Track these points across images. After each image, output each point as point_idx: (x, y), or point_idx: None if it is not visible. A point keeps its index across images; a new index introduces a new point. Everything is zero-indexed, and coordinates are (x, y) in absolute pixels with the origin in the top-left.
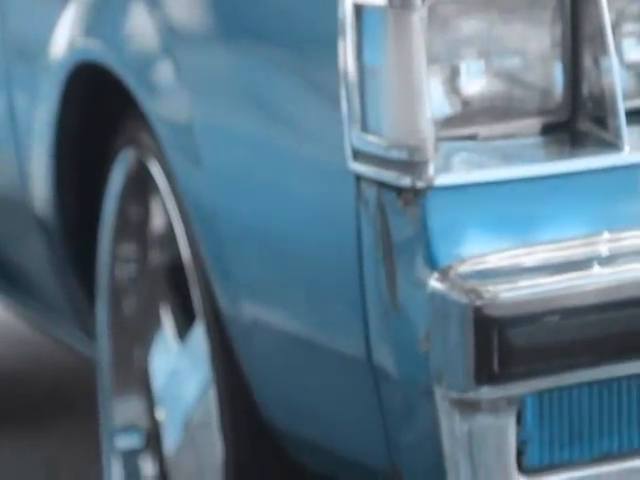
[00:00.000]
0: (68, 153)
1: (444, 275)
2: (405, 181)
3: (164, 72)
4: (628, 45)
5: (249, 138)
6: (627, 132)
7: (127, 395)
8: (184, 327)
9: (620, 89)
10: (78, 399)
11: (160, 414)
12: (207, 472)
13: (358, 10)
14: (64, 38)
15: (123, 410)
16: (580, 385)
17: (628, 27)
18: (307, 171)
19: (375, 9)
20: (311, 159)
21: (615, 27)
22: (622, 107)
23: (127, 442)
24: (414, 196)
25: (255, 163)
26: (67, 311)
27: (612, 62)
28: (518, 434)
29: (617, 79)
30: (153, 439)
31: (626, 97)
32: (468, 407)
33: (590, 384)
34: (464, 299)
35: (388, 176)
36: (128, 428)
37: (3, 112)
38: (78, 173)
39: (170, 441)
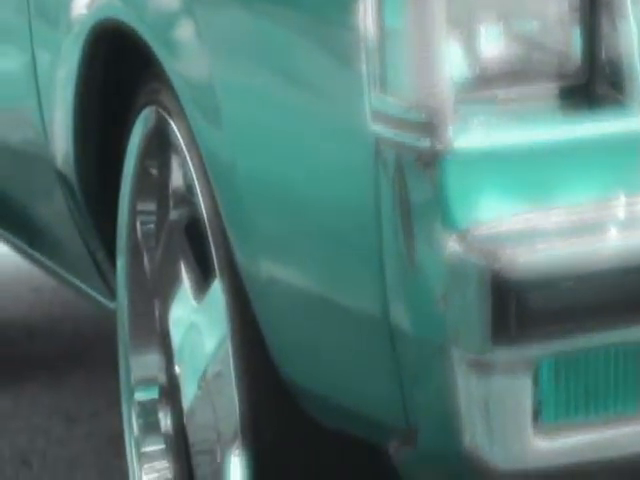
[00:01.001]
0: (89, 110)
1: (462, 237)
2: (424, 143)
3: (185, 31)
4: None
5: (269, 97)
6: None
7: (146, 349)
8: (202, 283)
9: (638, 53)
10: (97, 351)
11: (178, 368)
12: (224, 425)
13: None
14: None
15: (142, 364)
16: (596, 347)
17: None
18: (326, 131)
19: None
20: (330, 119)
21: None
22: None
23: (146, 396)
24: (433, 158)
25: (275, 122)
26: (88, 266)
27: (630, 26)
28: (534, 395)
29: (635, 43)
30: (171, 393)
31: None
32: (485, 368)
33: (606, 346)
34: (482, 261)
35: (407, 138)
36: (147, 382)
37: (26, 70)
38: (99, 129)
39: (188, 395)
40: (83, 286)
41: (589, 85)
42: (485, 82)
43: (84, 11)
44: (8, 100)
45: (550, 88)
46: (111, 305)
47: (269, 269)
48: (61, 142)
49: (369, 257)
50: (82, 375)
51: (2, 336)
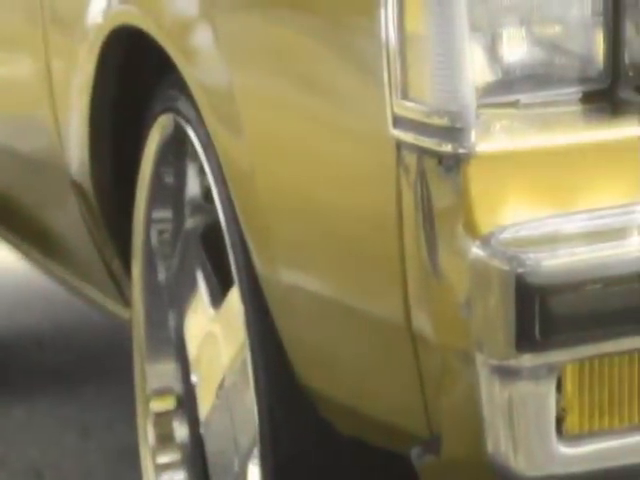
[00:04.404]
0: (104, 118)
1: (485, 242)
2: (446, 148)
3: (203, 38)
4: None
5: (288, 104)
6: None
7: (161, 358)
8: (219, 291)
9: None
10: (110, 361)
11: (194, 378)
12: (242, 435)
13: None
14: (102, 3)
15: (157, 373)
16: (621, 353)
17: None
18: (347, 137)
19: None
20: (351, 125)
21: None
22: None
23: (161, 405)
24: (455, 163)
25: (294, 128)
26: (103, 275)
27: None
28: (558, 402)
29: None
30: (187, 403)
31: None
32: (508, 374)
33: (631, 352)
34: (506, 266)
35: (429, 143)
36: (162, 391)
37: (41, 78)
38: (114, 138)
39: (205, 404)
40: (96, 296)
41: (612, 89)
42: (507, 86)
43: (100, 18)
44: (23, 108)
45: (573, 92)
46: (125, 315)
47: (288, 276)
48: (76, 150)
49: (390, 263)
50: (95, 386)
51: (13, 346)
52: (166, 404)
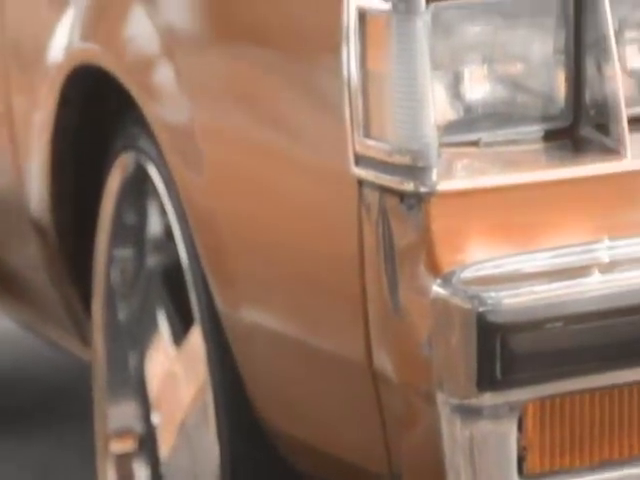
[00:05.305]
0: (65, 156)
1: (446, 281)
2: (408, 186)
3: (164, 76)
4: (631, 52)
5: (250, 143)
6: (629, 139)
7: (122, 399)
8: (180, 331)
9: (622, 96)
10: (70, 402)
11: (155, 418)
12: (203, 475)
13: (362, 15)
14: (62, 41)
15: (117, 414)
16: (582, 391)
17: (631, 34)
18: (308, 175)
19: (379, 14)
20: (313, 163)
21: (618, 34)
22: (624, 114)
23: (121, 446)
24: (417, 201)
25: (256, 167)
26: (62, 314)
27: (615, 69)
28: (519, 440)
29: (620, 86)
30: (148, 443)
31: (628, 104)
32: (469, 413)
33: (592, 390)
34: (467, 305)
35: (391, 181)
36: (122, 432)
37: (1, 115)
38: (75, 176)
39: (165, 445)
40: (56, 335)
41: (574, 128)
42: (469, 125)
43: (61, 56)
44: None
45: (535, 131)
46: (85, 354)
47: (250, 315)
48: (36, 188)
49: (352, 301)
50: (54, 429)
51: None
52: (126, 445)
